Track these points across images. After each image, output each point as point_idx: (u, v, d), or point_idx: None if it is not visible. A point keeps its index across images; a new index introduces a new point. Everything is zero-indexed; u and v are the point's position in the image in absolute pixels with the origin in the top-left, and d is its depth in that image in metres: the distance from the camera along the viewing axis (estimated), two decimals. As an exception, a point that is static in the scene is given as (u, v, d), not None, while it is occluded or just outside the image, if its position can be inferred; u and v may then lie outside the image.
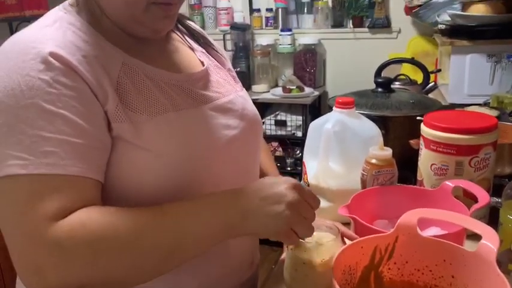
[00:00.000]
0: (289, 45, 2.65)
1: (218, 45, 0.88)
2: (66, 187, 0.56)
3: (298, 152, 2.65)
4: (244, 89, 0.85)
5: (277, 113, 2.60)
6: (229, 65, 0.87)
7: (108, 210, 0.58)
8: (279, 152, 2.68)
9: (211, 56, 0.83)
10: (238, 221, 0.60)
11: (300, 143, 2.57)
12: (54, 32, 0.61)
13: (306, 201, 0.62)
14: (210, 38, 0.87)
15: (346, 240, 0.75)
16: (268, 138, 2.56)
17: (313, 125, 1.02)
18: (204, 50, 0.82)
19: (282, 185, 0.61)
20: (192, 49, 0.80)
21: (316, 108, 2.67)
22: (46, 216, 0.54)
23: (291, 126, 2.58)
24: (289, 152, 2.67)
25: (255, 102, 0.85)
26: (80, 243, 0.54)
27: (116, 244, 0.55)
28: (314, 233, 0.66)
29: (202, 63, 0.78)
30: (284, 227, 0.60)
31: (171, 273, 0.68)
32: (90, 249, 0.54)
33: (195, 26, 0.86)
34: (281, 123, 2.58)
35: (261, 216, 0.60)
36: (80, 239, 0.54)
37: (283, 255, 0.73)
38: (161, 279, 0.68)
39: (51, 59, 0.58)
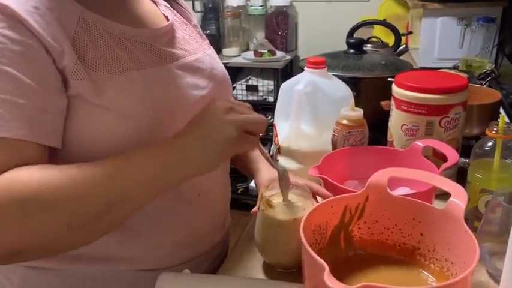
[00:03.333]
0: (261, 7, 2.58)
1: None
2: (6, 149, 0.52)
3: (269, 117, 2.62)
4: (211, 47, 0.81)
5: (248, 77, 2.55)
6: (194, 21, 0.82)
7: (39, 167, 0.53)
8: (251, 118, 2.65)
9: (176, 11, 0.78)
10: (180, 154, 0.56)
11: (271, 108, 2.54)
12: None
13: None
14: None
15: (319, 199, 0.74)
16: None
17: (284, 86, 0.99)
18: (167, 4, 0.77)
19: (209, 105, 0.58)
20: (155, 3, 0.75)
21: (288, 73, 2.63)
22: None
23: (263, 91, 2.55)
24: (260, 118, 2.65)
25: (225, 66, 0.81)
26: (8, 200, 0.50)
27: (46, 201, 0.51)
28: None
29: (167, 18, 0.73)
30: (234, 132, 0.55)
31: (144, 237, 0.67)
32: (20, 207, 0.50)
33: None
34: (252, 88, 2.54)
35: (204, 137, 0.56)
36: (8, 196, 0.50)
37: (254, 209, 0.72)
38: (134, 242, 0.67)
39: None
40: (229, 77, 0.80)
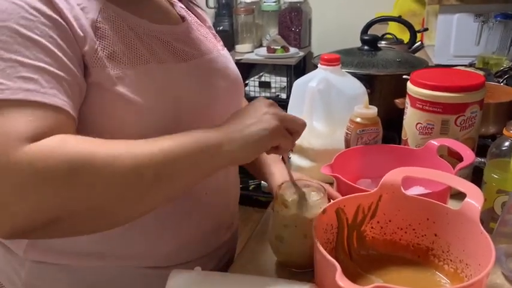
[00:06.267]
0: (274, 3, 2.57)
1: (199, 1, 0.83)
2: (45, 115, 0.50)
3: (283, 114, 2.61)
4: (225, 48, 0.82)
5: (261, 74, 2.54)
6: (209, 22, 0.83)
7: (88, 137, 0.52)
8: (263, 114, 2.65)
9: (191, 12, 0.79)
10: (221, 140, 0.56)
11: (284, 105, 2.50)
12: None
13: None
14: None
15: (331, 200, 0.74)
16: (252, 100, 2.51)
17: (297, 83, 0.99)
18: (183, 6, 0.78)
19: (252, 102, 0.62)
20: (172, 4, 0.76)
21: (301, 70, 2.62)
22: (18, 137, 0.47)
23: (275, 87, 2.54)
24: (273, 114, 2.65)
25: (238, 62, 0.82)
26: (55, 164, 0.47)
27: (94, 166, 0.48)
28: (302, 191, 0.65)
29: (182, 18, 0.74)
30: (275, 122, 0.58)
31: (151, 234, 0.67)
32: (67, 171, 0.48)
33: None
34: (265, 85, 2.54)
35: (246, 126, 0.58)
36: (55, 159, 0.47)
37: (268, 208, 0.72)
38: (141, 239, 0.67)
39: None
40: (241, 77, 0.80)
